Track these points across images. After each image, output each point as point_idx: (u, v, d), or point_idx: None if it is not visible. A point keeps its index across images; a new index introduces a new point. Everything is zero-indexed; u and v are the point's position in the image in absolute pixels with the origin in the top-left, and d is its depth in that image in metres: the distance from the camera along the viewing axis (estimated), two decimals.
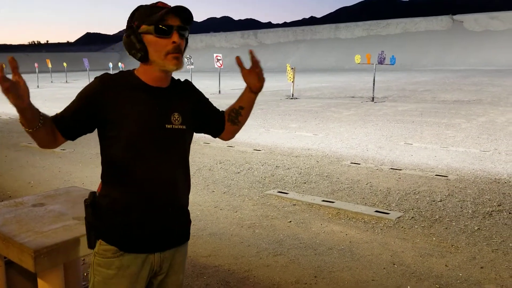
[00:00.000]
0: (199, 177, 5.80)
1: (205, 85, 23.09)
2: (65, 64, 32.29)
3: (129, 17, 1.56)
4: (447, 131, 8.85)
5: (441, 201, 4.73)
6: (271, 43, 65.06)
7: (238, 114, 1.78)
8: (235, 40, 69.03)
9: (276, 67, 52.32)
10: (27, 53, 72.72)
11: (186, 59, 19.81)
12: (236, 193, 5.13)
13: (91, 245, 1.61)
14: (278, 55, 60.24)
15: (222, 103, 13.46)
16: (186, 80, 1.74)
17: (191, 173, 6.60)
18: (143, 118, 1.53)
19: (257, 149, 7.53)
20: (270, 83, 25.13)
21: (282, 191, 5.18)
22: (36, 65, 30.08)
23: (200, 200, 4.90)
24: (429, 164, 6.26)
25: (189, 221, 1.73)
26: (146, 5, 1.53)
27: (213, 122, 1.81)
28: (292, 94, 16.27)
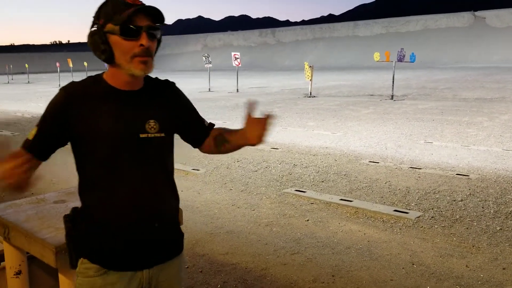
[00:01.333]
0: (216, 175, 5.83)
1: (223, 84, 23.16)
2: (85, 63, 32.78)
3: (96, 13, 1.39)
4: (469, 129, 8.70)
5: (462, 200, 4.65)
6: (289, 41, 64.83)
7: (223, 143, 1.61)
8: (253, 39, 69.01)
9: (294, 65, 52.15)
10: (49, 52, 74.05)
11: (204, 57, 19.89)
12: (253, 191, 5.14)
13: (73, 264, 1.49)
14: (296, 53, 60.01)
15: (239, 101, 13.58)
16: (167, 81, 1.57)
17: (210, 170, 6.56)
18: (114, 130, 1.38)
19: (275, 147, 7.51)
20: (288, 81, 25.06)
21: (300, 189, 5.16)
22: (57, 64, 30.60)
23: (218, 198, 4.92)
24: (450, 163, 6.16)
25: (181, 234, 1.60)
26: (114, 0, 1.36)
27: (193, 132, 1.63)
28: (310, 93, 16.19)
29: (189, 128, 1.61)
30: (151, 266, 1.48)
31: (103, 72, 1.45)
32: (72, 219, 1.49)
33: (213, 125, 1.66)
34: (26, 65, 36.65)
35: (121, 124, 1.39)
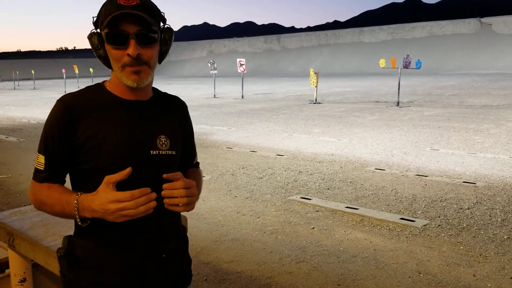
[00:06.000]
0: (221, 182, 5.82)
1: (228, 90, 23.21)
2: (91, 69, 33.01)
3: (99, 11, 1.20)
4: (475, 136, 8.64)
5: (468, 209, 4.61)
6: (294, 47, 64.97)
7: None
8: (258, 45, 69.21)
9: (299, 71, 52.22)
10: (55, 59, 74.76)
11: (209, 64, 19.93)
12: (258, 199, 5.12)
13: None
14: (301, 59, 60.12)
15: (244, 107, 13.62)
16: (177, 98, 1.41)
17: (215, 177, 6.56)
18: (121, 145, 1.21)
19: (280, 154, 7.50)
20: (293, 88, 25.08)
21: (305, 197, 5.14)
22: (63, 70, 30.84)
23: (222, 205, 4.90)
24: (456, 171, 6.12)
25: (189, 260, 1.43)
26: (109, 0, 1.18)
27: (183, 161, 1.40)
28: (315, 99, 16.19)
29: (183, 155, 1.39)
30: None
31: (103, 81, 1.30)
32: (66, 254, 1.28)
33: (198, 163, 1.51)
34: (32, 71, 36.95)
35: (134, 137, 1.23)
